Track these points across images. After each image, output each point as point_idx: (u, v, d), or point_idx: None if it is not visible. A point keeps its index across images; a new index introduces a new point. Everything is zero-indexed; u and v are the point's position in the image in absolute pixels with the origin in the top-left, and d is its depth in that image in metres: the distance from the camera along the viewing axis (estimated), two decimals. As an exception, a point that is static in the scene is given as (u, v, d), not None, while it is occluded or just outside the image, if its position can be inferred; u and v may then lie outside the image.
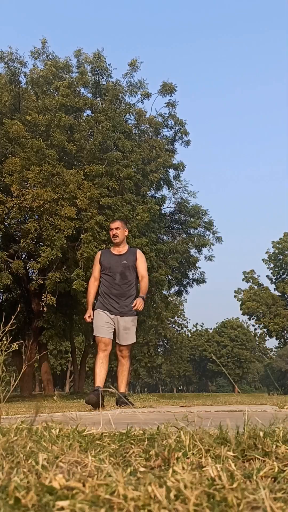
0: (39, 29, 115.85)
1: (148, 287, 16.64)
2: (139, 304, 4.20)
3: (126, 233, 4.44)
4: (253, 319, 33.78)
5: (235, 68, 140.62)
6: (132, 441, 1.19)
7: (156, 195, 15.94)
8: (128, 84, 15.39)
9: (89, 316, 4.27)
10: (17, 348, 1.92)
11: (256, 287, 34.84)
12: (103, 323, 4.20)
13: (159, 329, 35.45)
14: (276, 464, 0.91)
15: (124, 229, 4.41)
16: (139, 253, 4.41)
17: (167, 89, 15.51)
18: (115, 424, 1.68)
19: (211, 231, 16.98)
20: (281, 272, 34.51)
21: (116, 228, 4.33)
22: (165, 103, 15.88)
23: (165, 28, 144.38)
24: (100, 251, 4.50)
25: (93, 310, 4.34)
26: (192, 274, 17.52)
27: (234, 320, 55.48)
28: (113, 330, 4.22)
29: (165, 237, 16.34)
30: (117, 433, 1.31)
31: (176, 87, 15.57)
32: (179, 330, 41.01)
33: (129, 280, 4.26)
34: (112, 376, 35.90)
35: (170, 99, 15.76)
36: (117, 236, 4.31)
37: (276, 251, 34.53)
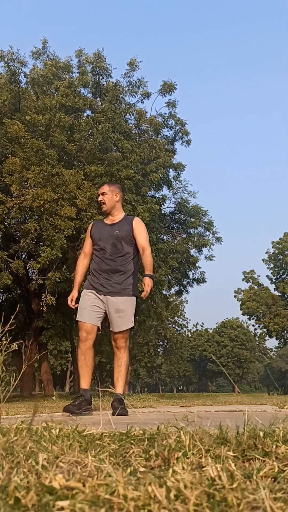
0: (39, 29, 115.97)
1: None
2: (147, 285, 3.40)
3: (118, 198, 3.63)
4: (253, 319, 33.79)
5: (236, 68, 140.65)
6: (132, 441, 1.19)
7: (156, 195, 15.96)
8: (128, 83, 15.42)
9: (72, 300, 3.55)
10: (17, 348, 1.92)
11: (256, 287, 34.84)
12: (87, 305, 3.46)
13: (159, 329, 35.47)
14: (276, 464, 0.91)
15: (114, 193, 3.62)
16: (136, 221, 3.63)
17: (167, 88, 15.53)
18: (115, 424, 1.68)
19: (211, 231, 16.99)
20: (281, 272, 34.52)
21: (102, 194, 3.61)
22: (165, 103, 15.90)
23: (165, 28, 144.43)
24: (92, 223, 3.78)
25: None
26: (193, 274, 17.54)
27: (234, 320, 55.49)
28: (101, 315, 3.48)
29: (165, 237, 16.35)
30: (117, 433, 1.31)
31: (176, 85, 15.60)
32: (179, 330, 41.01)
33: (123, 253, 3.52)
34: (112, 375, 35.88)
35: (170, 99, 15.80)
36: (104, 203, 3.60)
37: (276, 251, 34.54)
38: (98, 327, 3.47)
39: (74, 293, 3.59)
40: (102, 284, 3.47)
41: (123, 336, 3.45)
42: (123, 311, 3.44)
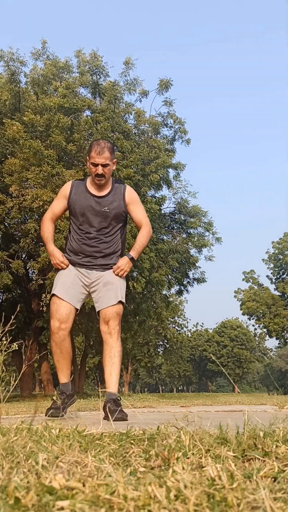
0: (37, 30, 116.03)
1: (148, 286, 15.90)
2: (122, 267, 2.83)
3: (114, 166, 2.90)
4: (253, 319, 33.82)
5: (236, 67, 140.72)
6: (132, 441, 1.18)
7: (156, 195, 15.98)
8: (126, 83, 15.47)
9: (61, 258, 2.83)
10: (17, 348, 1.92)
11: (256, 287, 34.88)
12: (69, 280, 2.82)
13: (159, 329, 35.47)
14: (276, 464, 0.91)
15: (113, 161, 2.87)
16: (129, 193, 2.92)
17: (163, 85, 15.58)
18: (115, 424, 1.68)
19: (211, 231, 17.02)
20: (281, 272, 34.56)
21: (105, 166, 2.78)
22: (162, 101, 15.96)
23: (165, 28, 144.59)
24: (71, 182, 2.95)
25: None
26: (193, 273, 17.57)
27: (234, 320, 55.53)
28: (82, 297, 2.87)
29: (165, 237, 16.36)
30: (117, 433, 1.31)
31: (172, 81, 15.65)
32: (179, 330, 41.03)
33: (111, 233, 2.89)
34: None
35: (167, 97, 15.85)
36: (104, 177, 2.80)
37: (276, 251, 34.58)
38: (76, 310, 2.84)
39: (58, 251, 2.87)
40: (88, 261, 2.88)
41: (117, 316, 2.77)
42: (112, 283, 2.82)
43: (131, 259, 2.88)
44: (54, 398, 2.71)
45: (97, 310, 2.86)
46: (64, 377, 2.80)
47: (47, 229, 2.94)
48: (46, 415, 2.60)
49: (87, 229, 2.86)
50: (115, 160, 2.91)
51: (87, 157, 2.85)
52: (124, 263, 2.85)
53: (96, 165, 2.77)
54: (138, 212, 2.97)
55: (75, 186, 2.90)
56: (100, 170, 2.76)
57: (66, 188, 2.94)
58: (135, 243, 2.95)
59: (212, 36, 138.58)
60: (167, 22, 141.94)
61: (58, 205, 2.94)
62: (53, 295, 2.80)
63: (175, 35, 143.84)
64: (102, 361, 2.82)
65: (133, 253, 2.90)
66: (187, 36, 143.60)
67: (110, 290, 2.80)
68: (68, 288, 2.79)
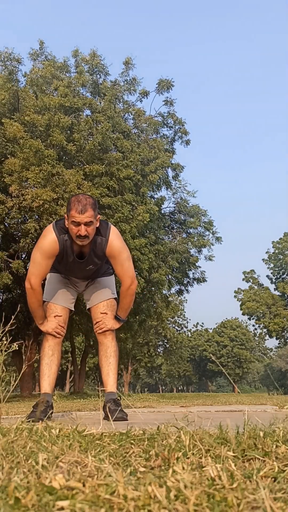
0: (35, 29, 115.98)
1: (148, 286, 15.87)
2: (106, 322, 2.74)
3: (98, 223, 2.51)
4: (253, 319, 33.83)
5: (235, 66, 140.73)
6: (132, 441, 1.18)
7: (156, 195, 15.98)
8: (126, 82, 15.46)
9: (52, 326, 2.74)
10: (17, 348, 1.91)
11: (256, 287, 34.90)
12: (61, 286, 2.76)
13: (159, 329, 35.48)
14: (276, 464, 0.90)
15: (97, 217, 2.48)
16: (110, 246, 2.55)
17: (164, 85, 15.55)
18: (115, 424, 1.68)
19: (211, 231, 17.03)
20: (281, 272, 34.60)
21: (87, 223, 2.40)
22: (163, 101, 15.96)
23: (165, 28, 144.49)
24: (55, 238, 2.50)
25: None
26: (193, 273, 17.58)
27: (234, 320, 55.55)
28: (73, 299, 2.83)
29: (165, 238, 16.37)
30: (117, 433, 1.31)
31: (173, 81, 15.63)
32: (179, 330, 41.05)
33: (97, 272, 2.79)
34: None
35: (167, 97, 15.84)
36: (87, 237, 2.45)
37: (276, 251, 34.62)
38: (71, 310, 2.84)
39: (46, 320, 2.76)
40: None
41: (110, 313, 2.78)
42: (99, 282, 2.81)
43: (118, 318, 2.78)
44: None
45: (87, 307, 2.85)
46: (49, 386, 2.67)
47: (35, 304, 2.63)
48: (29, 419, 2.30)
49: (71, 279, 2.82)
50: (99, 216, 2.52)
51: (66, 215, 2.47)
52: (115, 324, 2.77)
53: (78, 224, 2.40)
54: (117, 266, 2.63)
55: (61, 242, 2.51)
56: (83, 230, 2.40)
57: (53, 247, 2.51)
58: (120, 305, 2.76)
59: (212, 34, 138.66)
60: (167, 17, 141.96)
61: (48, 266, 2.56)
62: (46, 301, 2.76)
63: (175, 33, 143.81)
64: (99, 361, 2.78)
65: (121, 314, 2.76)
66: (187, 35, 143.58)
67: (100, 288, 2.81)
68: (60, 292, 2.77)
